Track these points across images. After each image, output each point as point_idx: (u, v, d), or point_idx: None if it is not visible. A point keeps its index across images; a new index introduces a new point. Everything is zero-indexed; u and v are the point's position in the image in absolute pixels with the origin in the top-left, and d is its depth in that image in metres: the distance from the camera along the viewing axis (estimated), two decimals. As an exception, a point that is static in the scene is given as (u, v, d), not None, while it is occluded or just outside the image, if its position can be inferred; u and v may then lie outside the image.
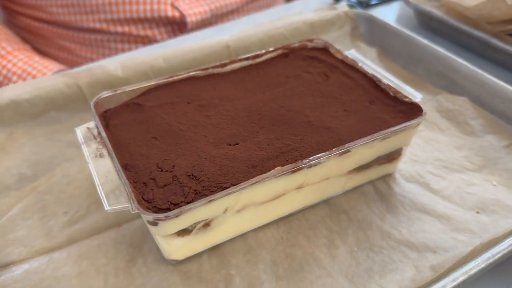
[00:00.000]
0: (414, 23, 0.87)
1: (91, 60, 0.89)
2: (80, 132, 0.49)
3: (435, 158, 0.57)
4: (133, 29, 0.88)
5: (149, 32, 0.89)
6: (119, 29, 0.88)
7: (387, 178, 0.54)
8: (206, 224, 0.43)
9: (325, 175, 0.48)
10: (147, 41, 0.90)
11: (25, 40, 0.96)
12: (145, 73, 0.66)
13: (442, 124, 0.62)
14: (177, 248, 0.43)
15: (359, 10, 0.81)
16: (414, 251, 0.46)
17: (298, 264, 0.45)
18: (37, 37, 0.96)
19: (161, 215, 0.38)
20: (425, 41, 0.71)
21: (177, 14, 0.87)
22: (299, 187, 0.47)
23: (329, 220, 0.50)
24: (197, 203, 0.39)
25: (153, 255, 0.46)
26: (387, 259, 0.46)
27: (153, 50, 0.72)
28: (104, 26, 0.88)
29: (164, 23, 0.89)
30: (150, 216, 0.39)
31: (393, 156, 0.52)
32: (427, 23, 0.84)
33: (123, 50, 0.91)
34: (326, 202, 0.52)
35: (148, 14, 0.87)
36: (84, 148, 0.47)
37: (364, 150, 0.48)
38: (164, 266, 0.45)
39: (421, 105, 0.50)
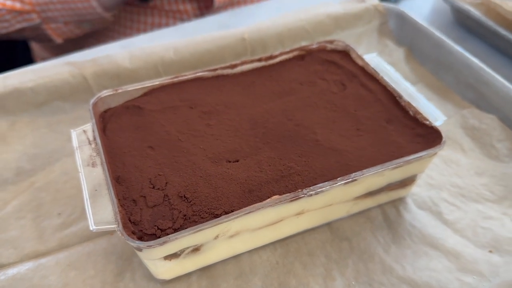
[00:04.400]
0: (450, 19, 0.80)
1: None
2: (75, 135, 0.47)
3: (452, 184, 0.53)
4: (165, 3, 0.84)
5: (174, 7, 0.85)
6: None
7: (397, 202, 0.51)
8: (195, 249, 0.41)
9: (328, 202, 0.45)
10: (172, 16, 0.86)
11: None
12: (154, 65, 0.63)
13: (465, 144, 0.57)
14: (164, 270, 0.42)
15: (389, 5, 0.75)
16: (415, 291, 0.43)
17: (291, 295, 0.43)
18: None
19: (144, 244, 0.36)
20: (457, 47, 0.65)
21: None
22: (299, 214, 0.44)
23: (329, 246, 0.47)
24: (185, 232, 0.37)
25: (142, 271, 0.45)
26: (386, 297, 0.43)
27: (163, 38, 0.69)
28: None
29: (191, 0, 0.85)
30: (133, 244, 0.37)
31: (405, 182, 0.49)
32: (464, 22, 0.77)
33: (145, 23, 0.87)
34: (329, 225, 0.49)
35: None
36: (77, 155, 0.45)
37: (372, 179, 0.44)
38: (152, 283, 0.44)
39: (441, 132, 0.46)
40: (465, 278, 0.44)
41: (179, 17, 0.86)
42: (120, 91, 0.50)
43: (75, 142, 0.46)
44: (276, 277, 0.44)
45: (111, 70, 0.61)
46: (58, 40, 0.80)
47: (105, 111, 0.50)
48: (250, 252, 0.46)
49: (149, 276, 0.44)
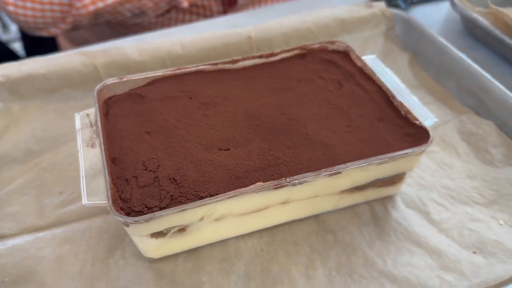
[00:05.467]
0: (460, 27, 0.81)
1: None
2: (79, 118, 0.49)
3: (443, 185, 0.53)
4: None
5: (198, 2, 0.87)
6: None
7: (386, 200, 0.52)
8: (182, 229, 0.43)
9: (313, 193, 0.46)
10: (195, 12, 0.88)
11: None
12: (162, 58, 0.66)
13: (460, 148, 0.58)
14: (151, 248, 0.44)
15: (397, 10, 0.76)
16: (394, 285, 0.44)
17: (272, 281, 0.44)
18: None
19: (130, 219, 0.38)
20: (460, 54, 0.65)
21: None
22: (284, 203, 0.45)
23: (314, 237, 0.48)
24: (169, 211, 0.39)
25: (132, 249, 0.47)
26: (365, 289, 0.44)
27: (174, 36, 0.71)
28: None
29: None
30: (121, 218, 0.39)
31: (393, 179, 0.50)
32: (472, 30, 0.78)
33: (169, 19, 0.89)
34: (316, 217, 0.50)
35: None
36: (79, 136, 0.47)
37: (357, 173, 0.46)
38: (141, 261, 0.46)
39: (429, 131, 0.47)
40: (446, 276, 0.45)
41: (202, 13, 0.88)
42: (124, 79, 0.53)
43: (77, 124, 0.49)
44: (260, 263, 0.46)
45: (121, 61, 0.64)
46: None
47: (110, 98, 0.53)
48: (237, 238, 0.48)
49: (139, 254, 0.46)
